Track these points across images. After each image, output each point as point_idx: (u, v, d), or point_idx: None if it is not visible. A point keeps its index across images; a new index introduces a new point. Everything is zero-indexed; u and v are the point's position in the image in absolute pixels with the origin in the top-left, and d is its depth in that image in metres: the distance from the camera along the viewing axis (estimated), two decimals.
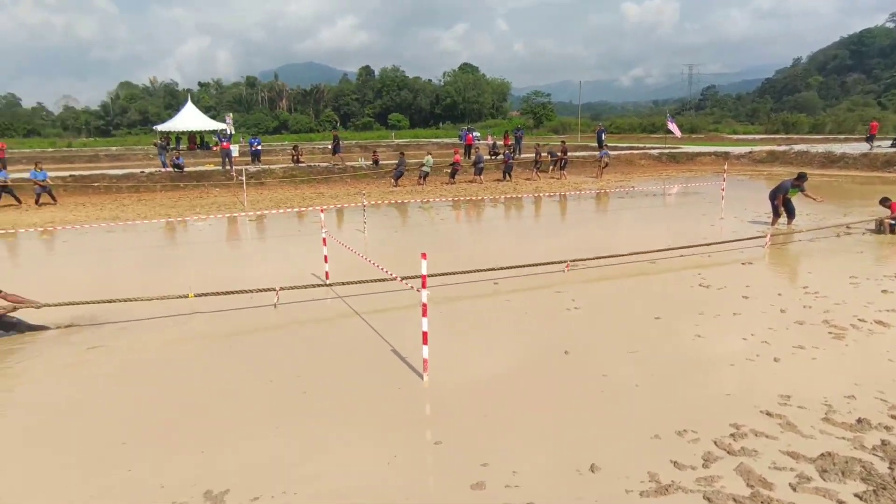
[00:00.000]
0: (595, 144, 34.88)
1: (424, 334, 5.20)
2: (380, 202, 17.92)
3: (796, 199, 12.54)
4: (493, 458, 3.98)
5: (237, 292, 7.39)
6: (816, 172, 23.28)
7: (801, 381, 5.12)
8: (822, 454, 3.94)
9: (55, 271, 10.30)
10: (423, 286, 5.17)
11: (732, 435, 4.22)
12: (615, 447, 4.12)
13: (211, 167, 26.39)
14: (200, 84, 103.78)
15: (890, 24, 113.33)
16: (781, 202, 12.38)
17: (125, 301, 6.98)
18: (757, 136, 51.62)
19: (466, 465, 3.92)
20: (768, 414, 4.52)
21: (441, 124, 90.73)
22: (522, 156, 28.94)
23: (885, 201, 11.90)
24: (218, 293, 7.29)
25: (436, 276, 7.84)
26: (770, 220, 12.71)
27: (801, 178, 12.36)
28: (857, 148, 28.73)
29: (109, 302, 6.98)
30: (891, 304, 7.20)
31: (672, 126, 34.65)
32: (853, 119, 56.25)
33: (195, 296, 7.14)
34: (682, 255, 9.92)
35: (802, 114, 67.36)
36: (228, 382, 5.43)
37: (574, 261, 9.06)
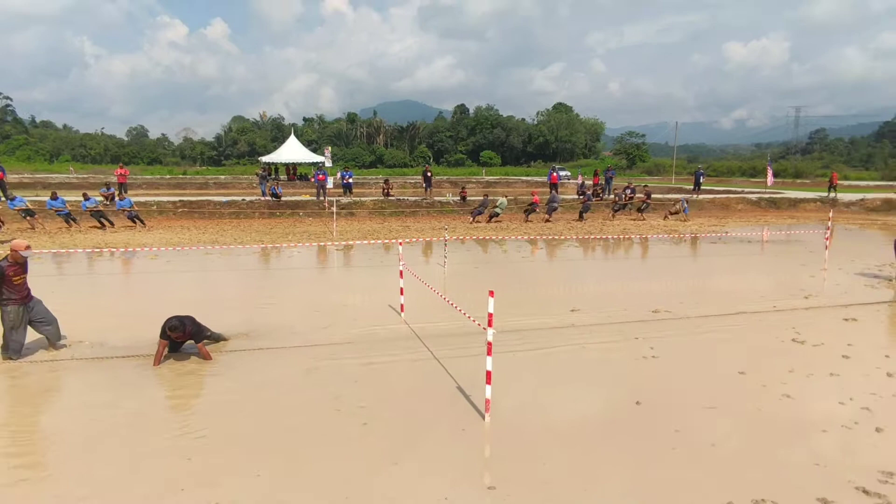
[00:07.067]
0: (689, 186, 33.81)
1: (488, 374, 5.11)
2: (465, 237, 18.07)
3: None
4: None
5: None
6: None
7: None
8: None
9: (163, 290, 11.07)
10: (490, 324, 5.11)
11: None
12: None
13: (307, 197, 27.75)
14: (305, 119, 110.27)
15: None
16: None
17: None
18: (871, 183, 47.93)
19: None
20: (865, 492, 4.06)
21: (532, 163, 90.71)
22: (611, 196, 28.48)
23: None
24: None
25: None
26: (894, 274, 11.77)
27: None
28: None
29: None
30: None
31: (769, 170, 33.21)
32: None
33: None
34: (774, 307, 9.26)
35: None
36: (297, 408, 5.55)
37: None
